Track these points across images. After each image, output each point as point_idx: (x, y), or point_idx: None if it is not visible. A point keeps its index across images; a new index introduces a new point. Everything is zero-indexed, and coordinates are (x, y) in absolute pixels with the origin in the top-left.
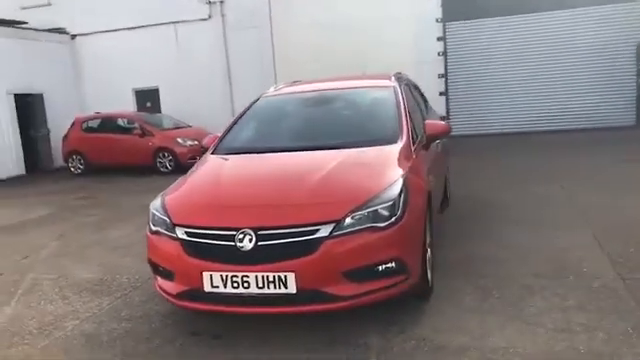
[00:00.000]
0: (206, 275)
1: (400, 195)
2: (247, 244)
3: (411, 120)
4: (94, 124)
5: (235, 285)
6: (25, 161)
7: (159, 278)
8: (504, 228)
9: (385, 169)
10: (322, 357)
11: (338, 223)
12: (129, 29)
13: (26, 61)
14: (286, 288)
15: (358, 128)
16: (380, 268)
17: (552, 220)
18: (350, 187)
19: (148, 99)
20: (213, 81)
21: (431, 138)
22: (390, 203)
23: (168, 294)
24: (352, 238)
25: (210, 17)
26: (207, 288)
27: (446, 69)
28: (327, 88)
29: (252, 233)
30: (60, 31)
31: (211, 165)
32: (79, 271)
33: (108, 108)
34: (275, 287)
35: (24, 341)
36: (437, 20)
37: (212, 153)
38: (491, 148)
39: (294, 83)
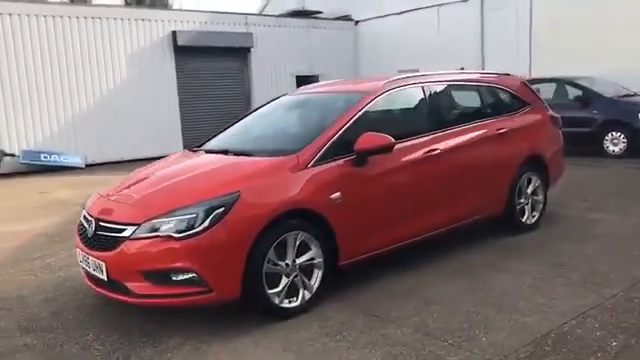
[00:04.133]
0: (78, 253)
1: (209, 211)
2: (90, 231)
3: (346, 133)
4: None
5: (86, 265)
6: None
7: None
8: None
9: (227, 182)
10: None
11: (138, 226)
12: (397, 14)
13: (310, 46)
14: (102, 274)
15: (282, 136)
16: (178, 276)
17: None
18: (174, 195)
19: None
20: (465, 65)
21: (361, 153)
22: (191, 216)
23: None
24: (147, 242)
25: None
26: (81, 265)
27: None
28: (316, 91)
29: (94, 223)
30: (346, 18)
31: (167, 158)
32: None
33: None
34: (97, 271)
35: None
36: None
37: (197, 147)
38: None
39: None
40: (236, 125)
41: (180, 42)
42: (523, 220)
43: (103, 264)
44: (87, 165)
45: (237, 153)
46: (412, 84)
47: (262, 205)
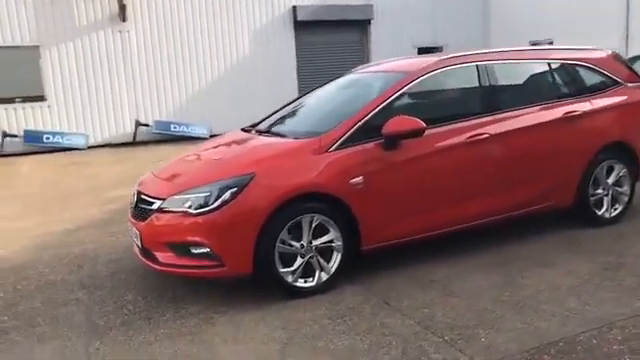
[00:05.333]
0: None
1: (223, 190)
2: (133, 203)
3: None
4: None
5: (132, 235)
6: None
7: None
8: None
9: (246, 164)
10: None
11: (163, 201)
12: None
13: (435, 16)
14: (139, 243)
15: (317, 118)
16: (196, 249)
17: None
18: (198, 174)
19: None
20: (609, 40)
21: (389, 137)
22: (206, 194)
23: None
24: (169, 216)
25: None
26: (131, 235)
27: None
28: (367, 70)
29: (136, 196)
30: None
31: (219, 137)
32: None
33: None
34: (137, 240)
35: None
36: None
37: (251, 125)
38: None
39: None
40: (291, 104)
41: (300, 17)
42: (600, 213)
43: (139, 234)
44: (211, 135)
45: (274, 134)
46: (464, 63)
47: (274, 187)
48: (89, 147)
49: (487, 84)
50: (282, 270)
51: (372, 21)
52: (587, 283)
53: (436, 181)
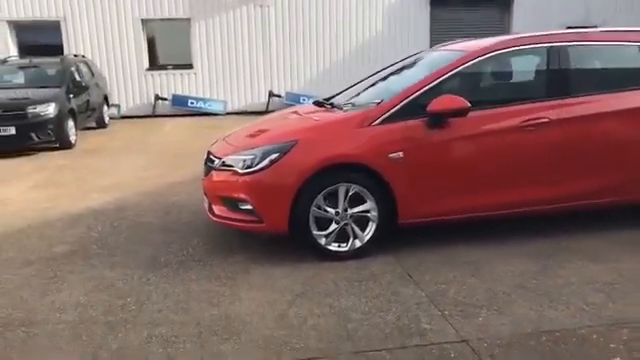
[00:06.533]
0: None
1: (266, 154)
2: (204, 161)
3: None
4: None
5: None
6: None
7: None
8: None
9: (294, 132)
10: None
11: (220, 160)
12: None
13: None
14: (205, 196)
15: (378, 93)
16: (243, 205)
17: None
18: (253, 140)
19: None
20: None
21: (433, 115)
22: (252, 157)
23: None
24: (222, 174)
25: None
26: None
27: None
28: (444, 48)
29: (207, 155)
30: None
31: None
32: None
33: None
34: (204, 194)
35: None
36: None
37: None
38: None
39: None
40: (366, 79)
41: None
42: None
43: (205, 188)
44: None
45: (336, 107)
46: (529, 45)
47: (312, 156)
48: (227, 113)
49: (551, 68)
50: (316, 233)
51: None
52: (628, 282)
53: (481, 163)
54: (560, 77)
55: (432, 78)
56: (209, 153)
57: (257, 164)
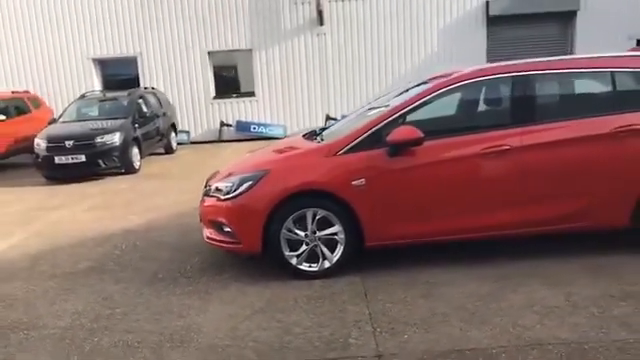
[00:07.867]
0: None
1: (242, 182)
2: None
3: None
4: None
5: None
6: None
7: None
8: None
9: (268, 162)
10: None
11: (209, 187)
12: None
13: None
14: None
15: (354, 125)
16: (225, 228)
17: None
18: (236, 169)
19: None
20: None
21: (391, 145)
22: (231, 184)
23: None
24: (211, 199)
25: None
26: None
27: None
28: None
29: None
30: None
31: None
32: None
33: None
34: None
35: None
36: None
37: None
38: None
39: None
40: (356, 111)
41: (493, 12)
42: None
43: (199, 212)
44: None
45: (315, 139)
46: (494, 75)
47: (281, 183)
48: (286, 136)
49: (514, 96)
50: (287, 253)
51: (578, 12)
52: (570, 306)
53: (441, 189)
54: (523, 105)
55: (395, 110)
56: (207, 181)
57: (234, 190)
